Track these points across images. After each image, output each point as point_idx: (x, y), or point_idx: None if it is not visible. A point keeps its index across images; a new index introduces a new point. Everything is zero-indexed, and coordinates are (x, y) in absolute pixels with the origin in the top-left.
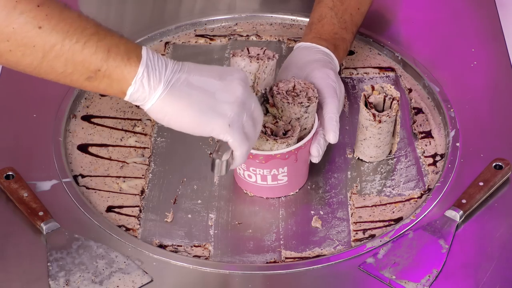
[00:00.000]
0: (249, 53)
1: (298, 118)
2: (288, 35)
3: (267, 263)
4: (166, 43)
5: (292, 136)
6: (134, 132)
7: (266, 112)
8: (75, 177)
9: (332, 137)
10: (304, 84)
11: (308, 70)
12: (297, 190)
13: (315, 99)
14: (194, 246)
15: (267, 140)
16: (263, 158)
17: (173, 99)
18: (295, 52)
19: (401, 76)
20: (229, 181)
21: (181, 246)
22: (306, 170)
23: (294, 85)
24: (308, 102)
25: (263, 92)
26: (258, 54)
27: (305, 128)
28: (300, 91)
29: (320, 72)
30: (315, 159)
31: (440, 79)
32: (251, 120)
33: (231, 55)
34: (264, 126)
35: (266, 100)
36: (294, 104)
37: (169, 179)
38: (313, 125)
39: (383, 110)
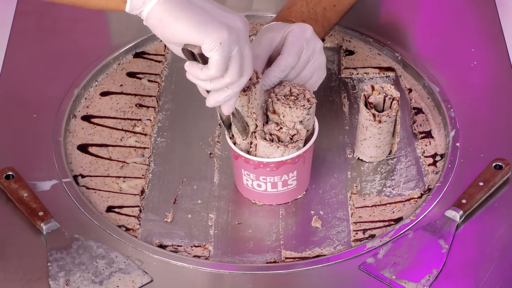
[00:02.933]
0: None
1: (301, 121)
2: None
3: (267, 263)
4: None
5: (301, 139)
6: (134, 132)
7: (268, 120)
8: (75, 177)
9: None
10: (299, 86)
11: (285, 28)
12: (304, 193)
13: (314, 100)
14: (194, 246)
15: (278, 147)
16: (274, 165)
17: (172, 5)
18: (265, 26)
19: (401, 76)
20: (229, 181)
21: (181, 246)
22: (310, 170)
23: (290, 89)
24: (309, 104)
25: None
26: None
27: (308, 130)
28: (298, 94)
29: (299, 28)
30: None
31: (440, 79)
32: (240, 58)
33: None
34: (270, 134)
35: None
36: (296, 108)
37: (169, 179)
38: (313, 125)
39: (383, 110)
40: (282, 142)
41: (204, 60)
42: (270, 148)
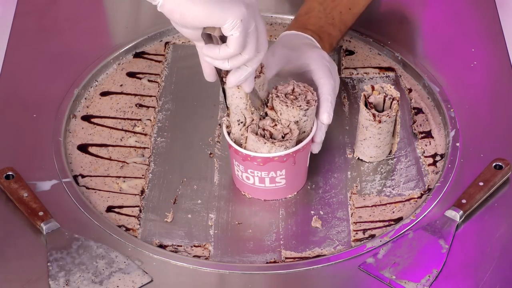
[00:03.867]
0: None
1: (297, 121)
2: None
3: (267, 263)
4: (166, 43)
5: (291, 139)
6: (134, 132)
7: (265, 115)
8: (75, 177)
9: (326, 118)
10: (304, 87)
11: (301, 51)
12: (295, 193)
13: (314, 102)
14: (194, 246)
15: (265, 143)
16: (261, 160)
17: None
18: (283, 38)
19: (401, 76)
20: (229, 181)
21: (181, 246)
22: (304, 173)
23: (293, 88)
24: (307, 106)
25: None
26: None
27: (304, 132)
28: (299, 94)
29: (314, 53)
30: (317, 147)
31: (440, 79)
32: (257, 33)
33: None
34: (263, 129)
35: (265, 103)
36: (292, 107)
37: (169, 179)
38: (311, 128)
39: (383, 110)
40: (274, 139)
41: (223, 40)
42: (258, 142)
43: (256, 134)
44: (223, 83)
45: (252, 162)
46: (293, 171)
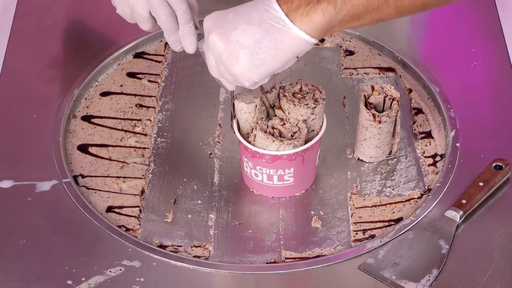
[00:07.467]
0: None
1: (305, 120)
2: None
3: (267, 263)
4: (166, 43)
5: (299, 138)
6: (134, 132)
7: (274, 114)
8: (75, 177)
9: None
10: (311, 86)
11: None
12: (303, 191)
13: (322, 100)
14: (194, 246)
15: (273, 141)
16: (270, 158)
17: None
18: None
19: (401, 76)
20: (229, 181)
21: (181, 246)
22: (313, 171)
23: (301, 87)
24: (314, 104)
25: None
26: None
27: (313, 130)
28: (307, 93)
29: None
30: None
31: (440, 79)
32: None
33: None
34: (272, 128)
35: (273, 106)
36: (300, 106)
37: (169, 179)
38: (321, 126)
39: (383, 111)
40: (283, 137)
41: None
42: (266, 140)
43: (265, 132)
44: (233, 98)
45: (261, 159)
46: (301, 169)
